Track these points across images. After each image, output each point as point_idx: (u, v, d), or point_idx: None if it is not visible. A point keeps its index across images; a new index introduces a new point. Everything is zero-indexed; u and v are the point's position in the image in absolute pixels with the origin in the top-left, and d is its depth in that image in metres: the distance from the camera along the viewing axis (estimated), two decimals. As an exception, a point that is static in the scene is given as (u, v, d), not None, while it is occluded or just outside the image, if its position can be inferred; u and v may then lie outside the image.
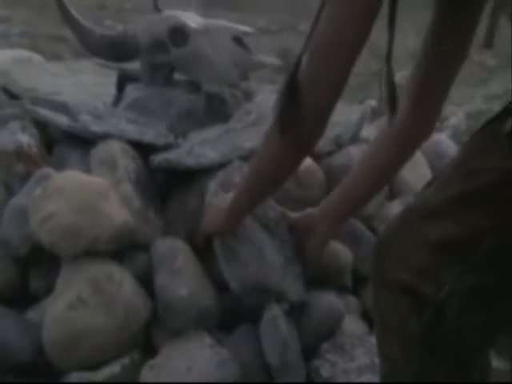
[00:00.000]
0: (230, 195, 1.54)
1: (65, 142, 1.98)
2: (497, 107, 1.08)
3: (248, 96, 2.32)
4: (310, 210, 1.65)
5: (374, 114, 4.94)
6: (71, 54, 7.32)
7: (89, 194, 1.62)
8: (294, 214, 1.68)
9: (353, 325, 1.69)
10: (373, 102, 5.32)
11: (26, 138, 1.85)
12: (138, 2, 10.70)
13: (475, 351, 1.09)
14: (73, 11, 2.23)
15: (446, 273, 1.02)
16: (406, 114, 1.39)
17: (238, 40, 2.22)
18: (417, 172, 2.14)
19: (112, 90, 2.34)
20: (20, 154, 1.82)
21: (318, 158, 1.93)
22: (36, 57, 2.77)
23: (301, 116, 1.18)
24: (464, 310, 1.02)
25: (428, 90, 1.36)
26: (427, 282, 1.03)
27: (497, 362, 1.57)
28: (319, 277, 1.72)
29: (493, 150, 1.00)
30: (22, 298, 1.74)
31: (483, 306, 1.03)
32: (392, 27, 1.24)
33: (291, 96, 1.18)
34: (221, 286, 1.62)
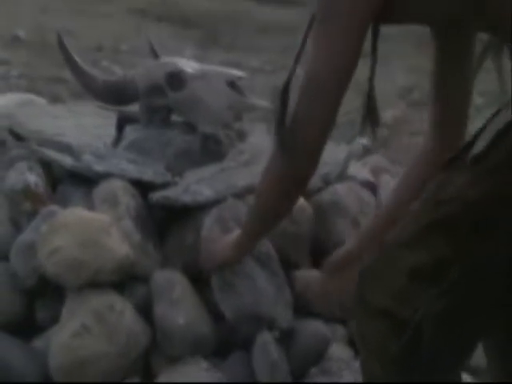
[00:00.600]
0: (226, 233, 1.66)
1: (68, 180, 2.10)
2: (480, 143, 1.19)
3: (241, 136, 2.44)
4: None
5: (365, 152, 5.08)
6: (70, 95, 7.47)
7: (92, 230, 1.75)
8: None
9: (339, 351, 1.79)
10: (364, 140, 5.47)
11: (33, 178, 1.97)
12: (133, 43, 10.91)
13: (449, 367, 1.19)
14: (76, 58, 2.36)
15: (420, 297, 1.13)
16: (430, 142, 1.45)
17: (232, 84, 2.35)
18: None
19: (112, 131, 2.47)
20: (27, 192, 1.94)
21: (307, 194, 2.05)
22: (38, 100, 2.91)
23: (294, 154, 1.29)
24: (438, 331, 1.13)
25: (444, 117, 1.43)
26: (405, 306, 1.14)
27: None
28: (308, 306, 1.83)
29: (457, 180, 1.12)
30: (28, 328, 1.84)
31: (455, 326, 1.14)
32: (374, 50, 1.35)
33: (283, 134, 1.29)
34: (216, 315, 1.73)
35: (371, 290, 1.19)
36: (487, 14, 1.18)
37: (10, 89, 7.01)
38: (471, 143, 1.14)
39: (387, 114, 7.37)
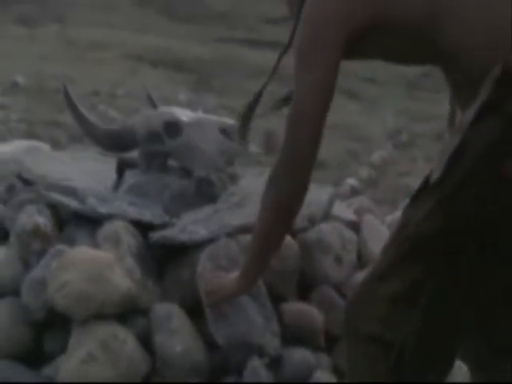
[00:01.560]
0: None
1: (73, 221, 2.27)
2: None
3: (233, 179, 2.62)
4: None
5: (353, 192, 5.25)
6: (68, 138, 7.67)
7: (97, 266, 1.92)
8: None
9: (324, 377, 1.95)
10: (351, 181, 5.65)
11: (42, 220, 2.15)
12: (129, 88, 11.16)
13: (432, 376, 1.35)
14: (80, 107, 2.55)
15: (401, 321, 1.29)
16: None
17: (224, 131, 2.55)
18: (382, 245, 2.44)
19: (112, 175, 2.65)
20: (37, 233, 2.11)
21: (293, 233, 2.23)
22: (43, 146, 3.10)
23: (284, 181, 1.45)
24: (417, 350, 1.30)
25: None
26: (389, 330, 1.30)
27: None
28: (295, 336, 2.00)
29: (420, 210, 1.28)
30: (37, 358, 2.00)
31: (431, 343, 1.30)
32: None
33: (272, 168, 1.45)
34: (211, 344, 1.90)
35: (358, 319, 1.35)
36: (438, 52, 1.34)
37: (10, 133, 7.23)
38: (431, 173, 1.29)
39: (375, 155, 7.59)
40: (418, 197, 1.31)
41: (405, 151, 8.17)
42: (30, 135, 7.17)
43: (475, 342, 1.43)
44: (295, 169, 1.44)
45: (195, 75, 14.54)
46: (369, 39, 1.35)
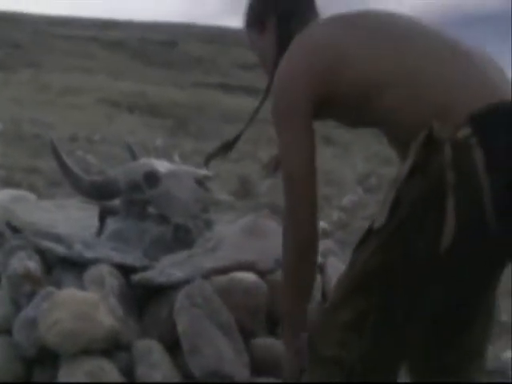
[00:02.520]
0: None
1: (60, 265, 2.48)
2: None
3: (208, 225, 2.84)
4: None
5: (324, 234, 5.49)
6: (46, 184, 7.85)
7: (84, 306, 2.12)
8: None
9: (290, 404, 2.16)
10: (322, 224, 5.88)
11: (33, 264, 2.35)
12: (106, 134, 11.39)
13: None
14: (67, 161, 2.77)
15: (353, 342, 1.50)
16: None
17: (199, 182, 2.78)
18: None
19: (95, 221, 2.86)
20: (28, 276, 2.31)
21: (262, 274, 2.45)
22: (29, 195, 3.30)
23: (293, 229, 1.55)
24: (364, 369, 1.50)
25: None
26: (344, 351, 1.51)
27: None
28: (264, 367, 2.21)
29: (366, 250, 1.50)
30: (28, 391, 2.18)
31: (376, 363, 1.51)
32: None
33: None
34: (187, 375, 2.10)
35: (320, 344, 1.55)
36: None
37: (-10, 179, 7.38)
38: (374, 220, 1.51)
39: (346, 199, 7.88)
40: (364, 240, 1.53)
41: (374, 194, 8.48)
42: (8, 181, 7.35)
43: (419, 361, 1.65)
44: (300, 217, 1.54)
45: (171, 120, 14.83)
46: (326, 108, 1.60)
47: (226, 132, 13.27)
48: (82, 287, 2.29)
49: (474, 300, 1.55)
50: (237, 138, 1.84)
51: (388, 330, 1.48)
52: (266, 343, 2.28)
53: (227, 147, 1.88)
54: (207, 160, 1.97)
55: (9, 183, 7.19)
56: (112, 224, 2.79)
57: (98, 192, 2.73)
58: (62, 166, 2.74)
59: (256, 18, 1.75)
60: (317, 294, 2.53)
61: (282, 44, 1.66)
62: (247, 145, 11.67)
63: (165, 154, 9.96)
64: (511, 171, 1.31)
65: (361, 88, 1.49)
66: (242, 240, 2.71)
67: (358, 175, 9.88)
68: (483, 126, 1.33)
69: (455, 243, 1.33)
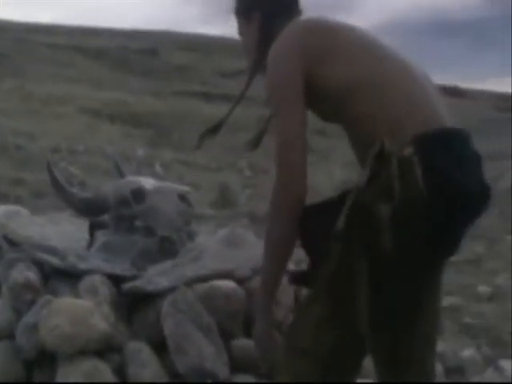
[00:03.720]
0: None
1: (56, 276, 2.72)
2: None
3: (191, 237, 3.09)
4: None
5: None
6: (30, 195, 8.04)
7: (80, 312, 2.37)
8: None
9: (265, 398, 2.42)
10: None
11: (32, 275, 2.60)
12: (88, 144, 11.58)
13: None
14: (60, 179, 3.01)
15: (323, 339, 1.69)
16: None
17: (182, 197, 3.03)
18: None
19: (85, 235, 3.10)
20: (28, 286, 2.56)
21: (240, 281, 2.71)
22: (23, 210, 3.53)
23: (282, 181, 1.67)
24: (334, 362, 1.71)
25: None
26: (315, 346, 1.69)
27: None
28: (242, 365, 2.47)
29: (332, 256, 1.69)
30: (29, 389, 2.42)
31: (343, 357, 1.72)
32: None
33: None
34: (173, 372, 2.36)
35: (294, 338, 1.73)
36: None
37: (-24, 192, 7.55)
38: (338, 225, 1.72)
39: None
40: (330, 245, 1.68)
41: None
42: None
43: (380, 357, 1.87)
44: (293, 177, 1.67)
45: (152, 129, 15.04)
46: (307, 96, 1.73)
47: (205, 142, 13.50)
48: (77, 295, 2.53)
49: (420, 296, 1.70)
50: (224, 119, 1.98)
51: (349, 328, 1.69)
52: (244, 344, 2.54)
53: (216, 128, 2.02)
54: (199, 142, 2.09)
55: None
56: (102, 237, 3.02)
57: (90, 208, 2.97)
58: (57, 185, 2.98)
59: (243, 9, 1.91)
60: (288, 299, 2.79)
61: (264, 37, 1.84)
62: (226, 154, 11.93)
63: (146, 164, 10.17)
64: (443, 187, 1.55)
65: (336, 85, 1.68)
66: (222, 250, 2.97)
67: (336, 182, 10.15)
68: (424, 147, 1.57)
69: (398, 244, 1.53)
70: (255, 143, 1.92)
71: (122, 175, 3.32)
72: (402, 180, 1.54)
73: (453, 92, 28.29)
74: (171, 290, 2.55)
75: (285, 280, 2.75)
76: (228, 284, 2.64)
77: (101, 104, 17.64)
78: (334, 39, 1.73)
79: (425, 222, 1.57)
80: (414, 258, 1.60)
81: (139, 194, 2.93)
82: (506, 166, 11.69)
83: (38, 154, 10.00)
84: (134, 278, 2.66)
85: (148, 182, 3.06)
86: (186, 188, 3.11)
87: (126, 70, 26.73)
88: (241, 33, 1.94)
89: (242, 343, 2.55)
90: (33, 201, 7.71)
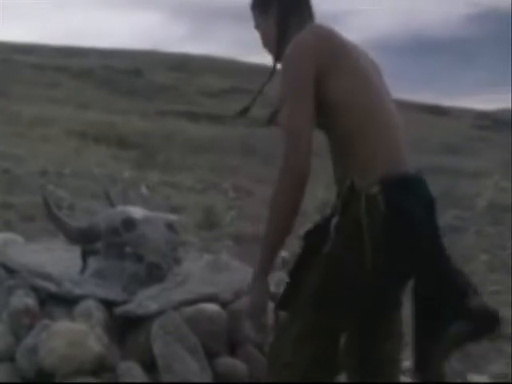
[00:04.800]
0: None
1: (52, 301, 2.93)
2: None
3: (177, 262, 3.30)
4: None
5: (284, 264, 5.88)
6: (19, 219, 8.16)
7: (76, 335, 2.58)
8: None
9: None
10: (283, 253, 6.28)
11: (30, 301, 2.80)
12: (75, 167, 11.69)
13: None
14: (56, 211, 3.22)
15: (304, 352, 1.88)
16: None
17: (169, 225, 3.25)
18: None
19: (78, 261, 3.30)
20: (27, 312, 2.76)
21: (223, 304, 2.93)
22: (18, 238, 3.74)
23: (289, 156, 1.80)
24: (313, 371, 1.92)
25: None
26: (297, 360, 1.89)
27: None
28: (225, 382, 2.69)
29: (312, 275, 1.88)
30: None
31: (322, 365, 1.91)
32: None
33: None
34: (163, 389, 2.58)
35: (276, 352, 1.92)
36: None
37: (-35, 216, 7.66)
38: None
39: (305, 228, 8.33)
40: (314, 264, 1.87)
41: (332, 222, 8.92)
42: (-16, 218, 7.63)
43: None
44: (298, 159, 1.80)
45: (138, 151, 15.17)
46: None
47: (191, 163, 13.68)
48: (72, 319, 2.74)
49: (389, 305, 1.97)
50: (251, 104, 2.10)
51: (330, 342, 1.89)
52: (227, 362, 2.76)
53: (243, 112, 2.14)
54: (234, 118, 2.29)
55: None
56: (94, 263, 3.24)
57: (84, 237, 3.18)
58: (53, 216, 3.19)
59: (261, 1, 2.03)
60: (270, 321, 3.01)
61: (283, 29, 1.98)
62: (211, 175, 12.12)
63: (132, 186, 10.34)
64: (402, 220, 1.79)
65: (335, 98, 1.86)
66: (206, 275, 3.20)
67: (319, 203, 10.34)
68: (388, 187, 1.81)
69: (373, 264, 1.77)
70: (270, 120, 2.01)
71: (112, 203, 3.54)
72: (368, 214, 1.79)
73: (435, 110, 28.74)
74: (160, 313, 2.77)
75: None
76: (212, 307, 2.86)
77: (87, 125, 17.72)
78: (343, 55, 1.89)
79: (386, 249, 1.79)
80: (386, 274, 1.82)
81: (129, 223, 3.15)
82: (485, 185, 11.96)
83: (25, 178, 10.14)
84: (125, 302, 2.88)
85: (137, 212, 3.28)
86: (172, 217, 3.33)
87: (110, 90, 26.89)
88: (257, 26, 2.06)
89: (226, 361, 2.77)
90: (22, 225, 7.80)
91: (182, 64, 33.91)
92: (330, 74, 1.85)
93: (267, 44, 2.06)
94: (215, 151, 14.74)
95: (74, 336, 2.58)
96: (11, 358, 2.71)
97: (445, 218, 8.63)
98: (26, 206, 8.31)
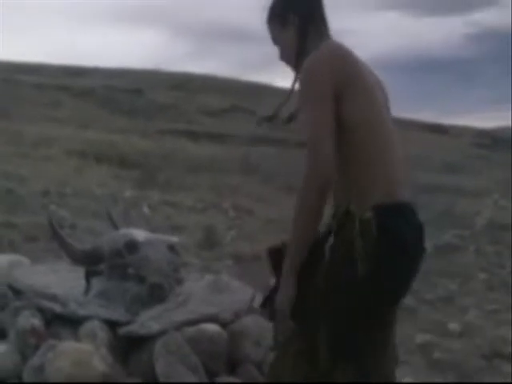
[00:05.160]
0: None
1: (58, 321, 3.02)
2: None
3: (179, 283, 3.39)
4: None
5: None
6: (22, 239, 8.24)
7: (81, 355, 2.67)
8: None
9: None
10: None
11: (37, 322, 2.89)
12: (76, 186, 11.77)
13: None
14: (61, 233, 3.32)
15: (304, 367, 1.98)
16: None
17: (171, 247, 3.35)
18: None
19: (82, 282, 3.40)
20: (33, 332, 2.85)
21: (224, 324, 3.02)
22: (25, 259, 3.83)
23: (313, 163, 1.85)
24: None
25: None
26: (297, 376, 1.97)
27: None
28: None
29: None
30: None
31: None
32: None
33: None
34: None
35: (277, 370, 2.00)
36: None
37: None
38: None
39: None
40: (312, 283, 1.94)
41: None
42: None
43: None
44: (321, 168, 1.86)
45: (139, 170, 15.25)
46: None
47: (191, 182, 13.76)
48: (77, 339, 2.83)
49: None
50: (277, 110, 2.13)
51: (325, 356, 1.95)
52: (227, 381, 2.84)
53: (270, 119, 2.19)
54: (259, 123, 2.35)
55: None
56: (97, 283, 3.33)
57: (88, 259, 3.28)
58: (58, 238, 3.29)
59: (279, 13, 2.06)
60: (268, 341, 3.09)
61: (302, 40, 2.03)
62: (211, 195, 12.19)
63: (133, 205, 10.42)
64: (393, 244, 1.89)
65: (347, 117, 1.92)
66: (207, 295, 3.29)
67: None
68: (380, 215, 1.90)
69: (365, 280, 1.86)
70: (289, 118, 2.08)
71: (114, 224, 3.63)
72: (361, 237, 1.88)
73: (436, 129, 28.89)
74: (162, 333, 2.86)
75: (264, 324, 3.09)
76: (213, 327, 2.95)
77: (87, 144, 17.82)
78: (357, 74, 1.96)
79: (378, 271, 1.88)
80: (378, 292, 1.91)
81: (132, 246, 3.24)
82: (484, 204, 12.03)
83: (28, 198, 10.22)
84: (128, 322, 2.96)
85: (140, 234, 3.37)
86: (174, 238, 3.42)
87: (112, 110, 27.05)
88: (274, 39, 2.10)
89: (225, 380, 2.85)
90: (26, 245, 7.87)
91: (182, 83, 34.08)
92: (344, 93, 1.91)
93: (285, 56, 2.11)
94: (215, 170, 14.83)
95: (80, 356, 2.67)
96: (18, 377, 2.79)
97: (444, 236, 8.74)
98: (29, 226, 8.38)
